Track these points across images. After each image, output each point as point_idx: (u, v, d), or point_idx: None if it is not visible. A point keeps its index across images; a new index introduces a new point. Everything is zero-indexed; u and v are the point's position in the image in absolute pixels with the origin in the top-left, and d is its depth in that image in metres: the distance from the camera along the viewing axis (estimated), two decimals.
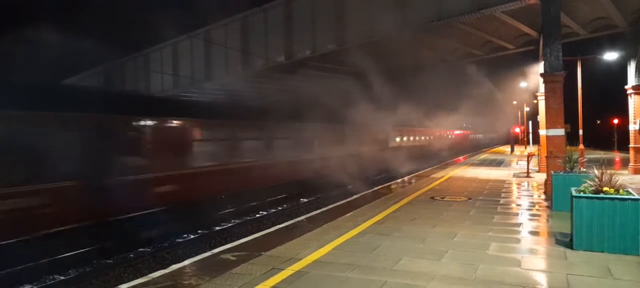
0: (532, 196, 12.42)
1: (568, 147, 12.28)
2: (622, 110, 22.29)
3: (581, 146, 20.46)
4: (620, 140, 39.81)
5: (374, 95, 24.65)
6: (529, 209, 10.27)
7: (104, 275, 8.64)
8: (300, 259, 6.32)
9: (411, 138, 34.16)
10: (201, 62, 25.32)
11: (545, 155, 12.95)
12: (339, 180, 18.53)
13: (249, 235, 8.35)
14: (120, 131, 10.62)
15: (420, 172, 21.02)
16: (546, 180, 12.02)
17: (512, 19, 16.69)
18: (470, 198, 11.84)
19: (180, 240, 11.18)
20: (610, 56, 19.67)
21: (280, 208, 15.30)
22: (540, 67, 13.75)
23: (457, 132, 54.47)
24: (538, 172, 18.88)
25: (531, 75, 22.98)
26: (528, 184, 15.25)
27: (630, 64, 17.03)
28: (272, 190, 16.01)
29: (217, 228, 12.42)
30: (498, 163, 26.26)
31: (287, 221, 9.74)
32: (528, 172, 18.37)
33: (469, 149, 52.14)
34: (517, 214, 9.70)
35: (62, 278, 8.51)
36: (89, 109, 9.93)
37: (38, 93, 9.68)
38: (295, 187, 17.34)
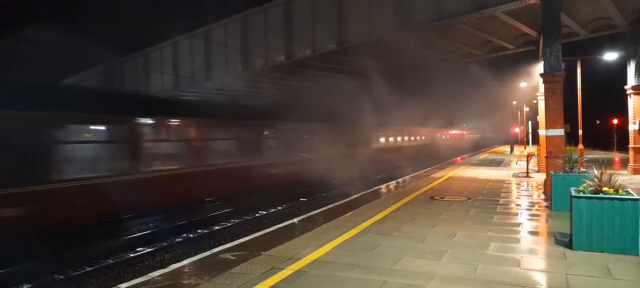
0: (531, 196, 12.42)
1: (567, 147, 12.28)
2: (622, 111, 22.31)
3: (581, 146, 20.45)
4: (619, 140, 39.82)
5: (357, 93, 24.34)
6: (528, 209, 10.28)
7: (104, 275, 8.65)
8: (300, 259, 6.32)
9: (400, 139, 32.31)
10: (201, 62, 25.32)
11: (545, 155, 12.95)
12: (283, 196, 15.99)
13: (249, 234, 8.37)
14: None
15: (420, 172, 21.00)
16: (546, 180, 12.02)
17: (512, 19, 16.70)
18: (469, 198, 11.85)
19: (179, 239, 11.18)
20: (610, 56, 19.66)
21: (279, 208, 15.29)
22: (540, 67, 13.75)
23: (452, 132, 53.21)
24: (537, 172, 18.89)
25: (531, 75, 22.96)
26: (527, 184, 15.26)
27: (630, 64, 17.03)
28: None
29: (217, 227, 12.42)
30: (497, 163, 26.27)
31: (286, 221, 9.74)
32: (527, 172, 18.37)
33: (466, 150, 50.01)
34: (516, 214, 9.70)
35: (61, 277, 8.51)
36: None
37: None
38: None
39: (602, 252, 6.22)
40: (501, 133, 73.50)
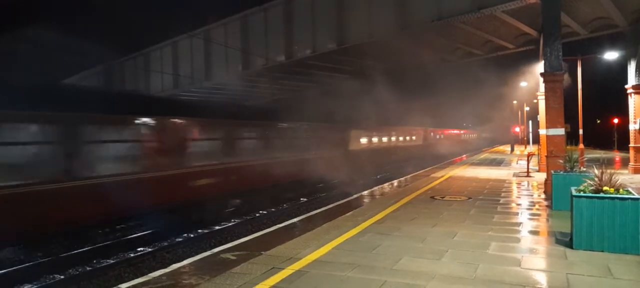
0: (532, 196, 12.42)
1: (568, 147, 12.27)
2: (622, 110, 22.30)
3: (581, 146, 20.45)
4: (620, 139, 39.82)
5: (348, 92, 24.02)
6: (529, 209, 10.27)
7: (104, 275, 8.64)
8: (300, 258, 6.32)
9: (385, 139, 28.82)
10: (201, 62, 25.34)
11: (545, 154, 12.95)
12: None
13: (249, 234, 8.36)
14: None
15: (420, 171, 20.99)
16: (546, 180, 12.02)
17: (512, 18, 16.70)
18: (470, 198, 11.84)
19: (180, 239, 11.18)
20: (611, 56, 19.66)
21: (280, 207, 15.29)
22: (540, 67, 13.74)
23: (449, 131, 49.48)
24: (538, 171, 18.89)
25: (531, 75, 22.95)
26: (528, 184, 15.25)
27: (630, 64, 17.03)
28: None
29: (217, 227, 12.42)
30: (498, 163, 26.27)
31: (287, 220, 9.74)
32: (528, 172, 18.37)
33: (464, 151, 46.37)
34: (517, 214, 9.70)
35: (62, 277, 8.51)
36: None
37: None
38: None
39: (602, 251, 6.21)
40: (500, 133, 73.37)
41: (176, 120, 12.14)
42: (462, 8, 16.03)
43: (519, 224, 8.52)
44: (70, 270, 8.79)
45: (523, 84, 32.85)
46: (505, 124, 64.08)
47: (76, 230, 9.56)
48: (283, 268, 5.90)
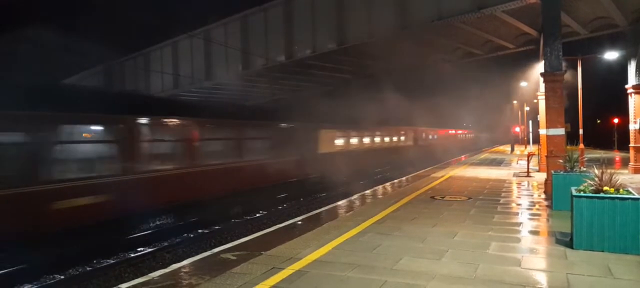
0: (532, 195, 12.41)
1: (568, 147, 12.27)
2: (623, 110, 22.28)
3: (581, 145, 20.45)
4: (620, 139, 39.82)
5: (337, 89, 23.46)
6: (529, 209, 10.27)
7: (104, 275, 8.64)
8: (300, 258, 6.32)
9: (367, 140, 24.67)
10: (201, 62, 25.35)
11: (546, 154, 12.94)
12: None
13: (249, 234, 8.36)
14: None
15: (420, 171, 20.99)
16: (546, 180, 12.01)
17: (512, 18, 16.70)
18: (470, 198, 11.84)
19: (180, 239, 11.18)
20: (611, 55, 19.65)
21: (280, 207, 15.29)
22: (540, 67, 13.74)
23: (444, 131, 44.82)
24: (538, 171, 18.88)
25: (531, 74, 22.95)
26: (528, 184, 15.25)
27: (630, 64, 17.02)
28: None
29: (217, 227, 12.42)
30: (498, 163, 26.26)
31: (287, 220, 9.74)
32: (528, 172, 18.36)
33: (461, 152, 41.93)
34: (517, 214, 9.69)
35: (62, 277, 8.51)
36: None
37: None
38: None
39: (602, 251, 6.21)
40: (500, 132, 73.14)
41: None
42: (462, 8, 16.03)
43: (519, 224, 8.52)
44: (70, 270, 8.79)
45: (523, 83, 32.88)
46: (505, 123, 64.02)
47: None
48: (283, 268, 5.90)
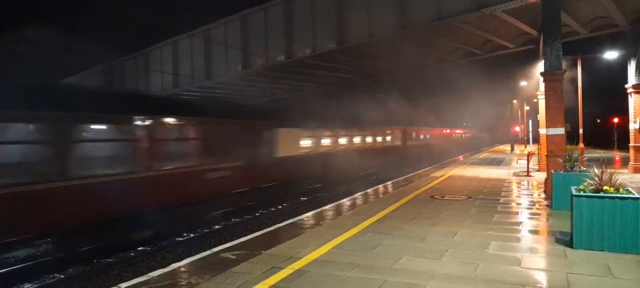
0: (532, 195, 12.41)
1: (568, 146, 12.27)
2: (622, 109, 22.29)
3: (581, 145, 20.46)
4: (620, 139, 39.83)
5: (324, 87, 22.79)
6: (529, 208, 10.27)
7: (104, 274, 8.64)
8: (300, 258, 6.32)
9: (343, 140, 21.21)
10: (201, 61, 25.35)
11: (545, 154, 12.94)
12: None
13: (249, 233, 8.36)
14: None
15: (420, 171, 20.97)
16: (546, 179, 12.01)
17: (512, 17, 16.70)
18: (470, 197, 11.84)
19: (180, 238, 11.18)
20: (611, 55, 19.67)
21: (280, 207, 15.28)
22: (540, 66, 13.74)
23: (439, 131, 41.20)
24: (538, 171, 18.88)
25: (531, 74, 22.94)
26: (528, 183, 15.25)
27: (630, 63, 17.03)
28: None
29: (217, 227, 12.42)
30: (498, 162, 26.26)
31: (287, 220, 9.74)
32: (528, 171, 18.36)
33: (454, 154, 37.69)
34: (517, 213, 9.69)
35: (61, 276, 8.51)
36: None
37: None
38: None
39: (602, 250, 6.21)
40: (500, 132, 73.08)
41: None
42: (462, 8, 16.03)
43: (519, 224, 8.52)
44: (70, 270, 8.79)
45: (523, 83, 32.86)
46: (506, 123, 63.99)
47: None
48: (283, 268, 5.90)
